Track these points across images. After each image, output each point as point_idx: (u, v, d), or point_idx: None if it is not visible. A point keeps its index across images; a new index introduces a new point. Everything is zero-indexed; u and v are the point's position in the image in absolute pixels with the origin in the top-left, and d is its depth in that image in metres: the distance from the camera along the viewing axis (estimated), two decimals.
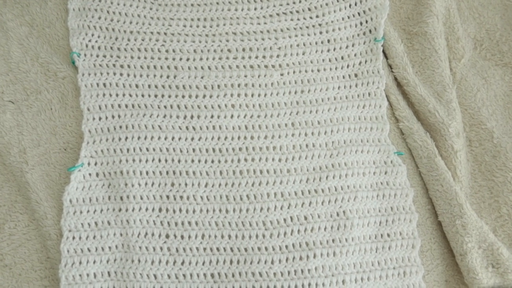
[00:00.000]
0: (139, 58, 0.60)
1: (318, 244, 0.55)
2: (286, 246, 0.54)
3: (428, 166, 0.58)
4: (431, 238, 0.58)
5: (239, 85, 0.60)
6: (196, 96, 0.59)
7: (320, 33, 0.63)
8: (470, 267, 0.54)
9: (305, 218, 0.56)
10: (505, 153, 0.58)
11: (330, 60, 0.62)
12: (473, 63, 0.64)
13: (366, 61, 0.62)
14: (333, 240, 0.55)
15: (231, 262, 0.54)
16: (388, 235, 0.56)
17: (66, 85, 0.59)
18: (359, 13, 0.64)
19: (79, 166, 0.55)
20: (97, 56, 0.60)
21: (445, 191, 0.56)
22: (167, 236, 0.54)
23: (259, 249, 0.54)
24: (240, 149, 0.57)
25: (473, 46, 0.65)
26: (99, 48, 0.60)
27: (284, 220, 0.55)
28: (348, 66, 0.62)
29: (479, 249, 0.55)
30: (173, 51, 0.61)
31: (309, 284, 0.53)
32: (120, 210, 0.54)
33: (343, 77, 0.62)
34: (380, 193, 0.57)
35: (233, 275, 0.53)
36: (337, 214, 0.56)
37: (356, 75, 0.62)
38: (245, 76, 0.60)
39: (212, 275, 0.53)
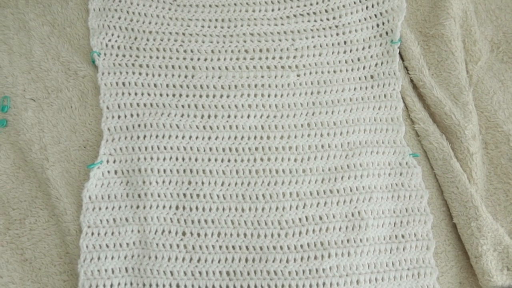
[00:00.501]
0: (157, 57, 0.61)
1: (333, 244, 0.55)
2: (301, 246, 0.55)
3: (443, 168, 0.58)
4: (445, 240, 0.58)
5: (255, 86, 0.60)
6: (214, 96, 0.59)
7: (337, 34, 0.63)
8: (485, 270, 0.54)
9: (320, 218, 0.56)
10: None
11: (346, 62, 0.62)
12: (490, 66, 0.63)
13: (382, 63, 0.63)
14: (347, 240, 0.55)
15: (246, 260, 0.54)
16: (403, 236, 0.56)
17: (86, 83, 0.60)
18: (376, 15, 0.64)
19: (98, 164, 0.56)
20: (117, 55, 0.61)
21: (461, 193, 0.56)
22: (184, 234, 0.55)
23: (274, 248, 0.55)
24: (256, 148, 0.58)
25: (490, 48, 0.65)
26: (118, 47, 0.61)
27: (299, 219, 0.56)
28: (364, 67, 0.63)
29: (494, 251, 0.55)
30: (191, 51, 0.61)
31: (324, 284, 0.54)
32: (138, 207, 0.55)
33: (359, 78, 0.62)
34: (395, 194, 0.58)
35: (248, 273, 0.54)
36: (352, 215, 0.56)
37: (372, 77, 0.62)
38: (262, 76, 0.61)
39: (228, 273, 0.54)
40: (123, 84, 0.59)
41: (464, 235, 0.56)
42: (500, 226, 0.56)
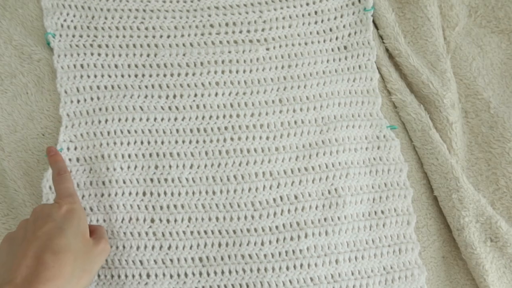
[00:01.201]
0: (117, 37, 0.57)
1: (310, 223, 0.53)
2: (277, 227, 0.53)
3: (422, 139, 0.56)
4: (426, 213, 0.56)
5: (223, 62, 0.57)
6: (178, 75, 0.56)
7: (307, 4, 0.60)
8: (468, 242, 0.52)
9: (296, 197, 0.54)
10: (502, 123, 0.56)
11: (318, 33, 0.59)
12: (468, 31, 0.61)
13: (355, 33, 0.60)
14: (325, 219, 0.53)
15: (219, 245, 0.52)
16: (382, 212, 0.54)
17: (42, 67, 0.56)
18: None
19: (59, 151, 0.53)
20: (73, 36, 0.57)
21: (441, 165, 0.54)
22: (152, 221, 0.52)
23: (248, 230, 0.52)
24: (225, 128, 0.55)
25: (468, 13, 0.62)
26: (75, 27, 0.57)
27: (274, 200, 0.53)
28: (337, 38, 0.59)
29: (476, 223, 0.53)
30: (153, 28, 0.58)
31: (301, 265, 0.51)
32: (102, 195, 0.52)
33: (332, 50, 0.59)
34: (373, 169, 0.55)
35: (222, 258, 0.51)
36: (329, 192, 0.54)
37: (345, 48, 0.59)
38: (229, 52, 0.57)
39: (200, 259, 0.51)
40: (81, 66, 0.56)
41: (445, 207, 0.54)
42: (482, 196, 0.54)
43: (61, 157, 0.51)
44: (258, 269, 0.51)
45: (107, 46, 0.57)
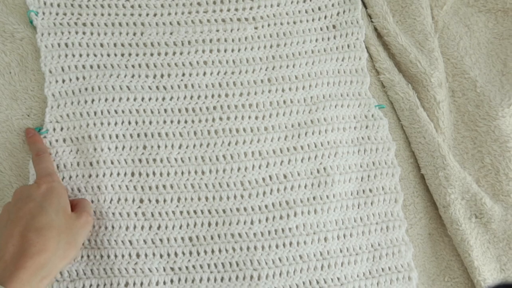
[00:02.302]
0: (102, 15, 0.56)
1: (299, 202, 0.53)
2: (266, 206, 0.53)
3: (410, 118, 0.56)
4: (414, 191, 0.56)
5: (211, 41, 0.56)
6: (166, 54, 0.55)
7: None
8: (453, 219, 0.53)
9: (285, 176, 0.54)
10: (488, 102, 0.57)
11: (306, 12, 0.59)
12: (456, 10, 0.61)
13: (344, 11, 0.59)
14: (313, 198, 0.53)
15: (209, 224, 0.52)
16: (370, 191, 0.55)
17: (25, 46, 0.55)
18: None
19: (44, 133, 0.52)
20: (57, 14, 0.55)
21: (428, 143, 0.55)
22: (141, 201, 0.52)
23: (237, 210, 0.52)
24: (214, 107, 0.55)
25: None
26: (58, 5, 0.56)
27: (263, 179, 0.53)
28: (325, 17, 0.59)
29: (462, 200, 0.54)
30: (139, 6, 0.57)
31: (290, 243, 0.52)
32: (90, 176, 0.52)
33: (321, 29, 0.59)
34: (362, 148, 0.56)
35: (211, 238, 0.51)
36: (318, 171, 0.54)
37: (334, 27, 0.59)
38: (217, 30, 0.57)
39: (190, 238, 0.51)
40: (66, 45, 0.55)
41: (432, 185, 0.55)
42: (467, 174, 0.55)
43: (40, 138, 0.51)
44: (248, 248, 0.51)
45: (92, 24, 0.55)
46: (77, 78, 0.54)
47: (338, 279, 0.52)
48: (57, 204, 0.45)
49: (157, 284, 0.50)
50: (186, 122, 0.54)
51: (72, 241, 0.44)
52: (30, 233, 0.41)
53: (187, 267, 0.51)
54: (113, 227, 0.51)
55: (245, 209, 0.52)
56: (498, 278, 0.54)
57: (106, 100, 0.53)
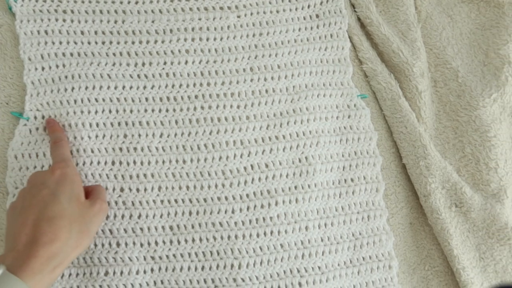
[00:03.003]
0: (83, 2, 0.55)
1: (280, 191, 0.53)
2: (247, 195, 0.53)
3: (392, 108, 0.56)
4: (395, 181, 0.57)
5: (193, 29, 0.56)
6: (147, 42, 0.55)
7: None
8: (434, 208, 0.54)
9: (266, 165, 0.54)
10: (469, 92, 0.57)
11: (289, 0, 0.59)
12: (439, 1, 0.61)
13: (327, 1, 0.59)
14: (295, 187, 0.54)
15: (190, 213, 0.52)
16: (352, 180, 0.55)
17: (4, 33, 0.54)
18: None
19: (25, 118, 0.51)
20: (36, 1, 0.55)
21: (409, 133, 0.55)
22: (122, 190, 0.52)
23: (218, 199, 0.52)
24: (196, 96, 0.54)
25: None
26: None
27: (244, 168, 0.53)
28: (309, 6, 0.59)
29: (442, 189, 0.54)
30: None
31: (271, 232, 0.52)
32: None
33: (304, 18, 0.59)
34: (344, 138, 0.56)
35: (192, 226, 0.51)
36: (299, 160, 0.54)
37: (317, 16, 0.59)
38: (199, 19, 0.56)
39: (171, 227, 0.51)
40: (46, 32, 0.54)
41: (413, 174, 0.55)
42: (448, 164, 0.55)
43: (59, 126, 0.51)
44: (229, 237, 0.51)
45: (72, 11, 0.55)
46: (57, 66, 0.53)
47: (319, 268, 0.52)
48: (70, 192, 0.44)
49: (137, 273, 0.50)
50: (167, 111, 0.54)
51: (84, 229, 0.44)
52: (42, 222, 0.41)
53: (167, 256, 0.51)
54: None
55: (226, 198, 0.52)
56: (480, 266, 0.55)
57: (86, 88, 0.53)
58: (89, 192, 0.48)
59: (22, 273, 0.38)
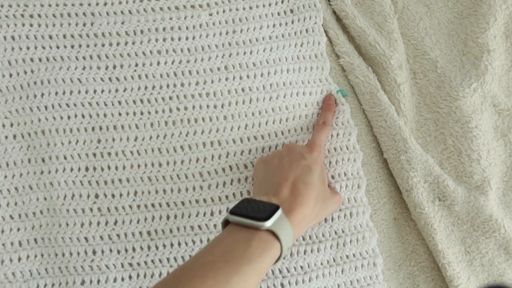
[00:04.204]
0: (50, 6, 0.54)
1: None
2: (226, 196, 0.52)
3: (371, 102, 0.55)
4: (377, 176, 0.56)
5: (164, 29, 0.55)
6: (117, 44, 0.54)
7: None
8: (417, 202, 0.53)
9: (245, 166, 0.53)
10: (449, 83, 0.56)
11: None
12: None
13: None
14: None
15: (167, 217, 0.51)
16: (333, 177, 0.54)
17: None
18: None
19: None
20: (2, 6, 0.53)
21: (389, 127, 0.54)
22: (97, 196, 0.50)
23: (197, 201, 0.51)
24: (170, 98, 0.53)
25: None
26: None
27: (223, 169, 0.52)
28: (282, 1, 0.58)
29: (424, 183, 0.53)
30: None
31: None
32: (42, 172, 0.50)
33: (278, 13, 0.57)
34: None
35: (170, 231, 0.50)
36: None
37: (292, 11, 0.58)
38: (170, 18, 0.55)
39: (149, 233, 0.50)
40: (12, 38, 0.53)
41: (394, 169, 0.54)
42: (430, 157, 0.54)
43: (334, 110, 0.55)
44: (208, 240, 0.50)
45: (39, 16, 0.54)
46: (25, 72, 0.52)
47: (301, 267, 0.51)
48: (320, 173, 0.48)
49: (114, 281, 0.49)
50: (142, 113, 0.53)
51: (320, 212, 0.47)
52: (300, 184, 0.44)
53: (145, 262, 0.49)
54: (67, 224, 0.49)
55: (204, 200, 0.51)
56: (466, 260, 0.54)
57: (56, 93, 0.52)
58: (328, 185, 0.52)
59: (289, 219, 0.41)
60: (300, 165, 0.46)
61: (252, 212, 0.40)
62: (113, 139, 0.51)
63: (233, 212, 0.40)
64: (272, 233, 0.39)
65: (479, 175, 0.54)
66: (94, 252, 0.49)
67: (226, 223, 0.41)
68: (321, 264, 0.52)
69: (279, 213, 0.40)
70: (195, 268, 0.36)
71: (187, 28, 0.55)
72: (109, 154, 0.51)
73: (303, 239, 0.52)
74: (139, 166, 0.51)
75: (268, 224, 0.39)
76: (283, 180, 0.44)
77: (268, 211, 0.40)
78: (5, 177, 0.50)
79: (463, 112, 0.55)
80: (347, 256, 0.52)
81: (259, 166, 0.50)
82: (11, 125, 0.51)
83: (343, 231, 0.53)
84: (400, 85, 0.55)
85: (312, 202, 0.44)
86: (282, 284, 0.51)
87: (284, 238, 0.40)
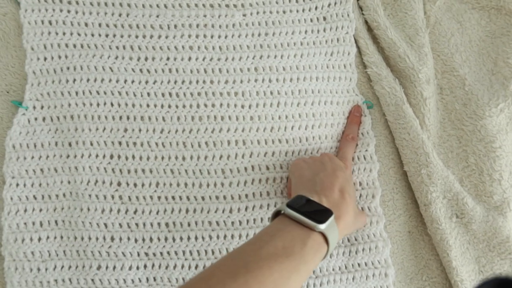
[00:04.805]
0: None
1: (279, 194, 0.53)
2: (246, 195, 0.52)
3: (395, 113, 0.55)
4: (393, 188, 0.56)
5: (197, 26, 0.55)
6: (151, 37, 0.54)
7: None
8: (434, 217, 0.53)
9: (267, 168, 0.53)
10: (476, 101, 0.56)
11: (297, 1, 0.58)
12: (449, 6, 0.60)
13: (335, 3, 0.58)
14: None
15: (186, 211, 0.51)
16: None
17: (8, 22, 0.54)
18: None
19: (24, 108, 0.51)
20: None
21: (412, 140, 0.54)
22: (119, 184, 0.51)
23: (217, 197, 0.52)
24: (198, 94, 0.54)
25: None
26: None
27: (245, 168, 0.53)
28: (316, 8, 0.58)
29: (443, 199, 0.53)
30: None
31: None
32: (68, 156, 0.51)
33: (311, 20, 0.58)
34: None
35: (188, 224, 0.51)
36: None
37: (324, 19, 0.58)
38: (204, 15, 0.56)
39: (167, 224, 0.51)
40: (50, 22, 0.54)
41: (414, 182, 0.54)
42: (451, 173, 0.54)
43: (360, 122, 0.56)
44: (225, 236, 0.51)
45: (77, 3, 0.54)
46: (59, 57, 0.53)
47: (313, 271, 0.51)
48: (352, 189, 0.48)
49: (129, 268, 0.49)
50: (169, 106, 0.53)
51: (352, 225, 0.47)
52: (346, 193, 0.45)
53: (161, 253, 0.50)
54: (88, 209, 0.50)
55: (224, 197, 0.52)
56: (479, 280, 0.54)
57: (88, 80, 0.53)
58: None
59: (338, 225, 0.42)
60: (343, 176, 0.47)
61: (308, 211, 0.41)
62: (140, 130, 0.52)
63: (290, 206, 0.41)
64: (324, 236, 0.40)
65: (499, 196, 0.54)
66: (112, 239, 0.50)
67: (276, 214, 0.42)
68: (333, 270, 0.52)
69: (332, 218, 0.41)
70: (263, 257, 0.37)
71: (220, 26, 0.56)
72: (134, 144, 0.52)
73: None
74: (162, 158, 0.52)
75: (322, 227, 0.40)
76: (332, 185, 0.46)
77: (324, 214, 0.41)
78: (32, 157, 0.51)
79: (488, 132, 0.55)
80: (359, 264, 0.53)
81: (302, 165, 0.50)
82: (42, 107, 0.52)
83: (356, 239, 0.53)
84: (426, 100, 0.55)
85: (353, 213, 0.46)
86: None
87: (332, 243, 0.41)
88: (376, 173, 0.54)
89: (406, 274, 0.54)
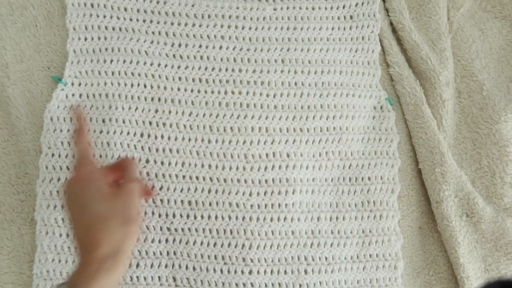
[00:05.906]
0: None
1: (298, 181, 0.55)
2: (266, 180, 0.55)
3: (414, 113, 0.58)
4: (409, 184, 0.58)
5: (230, 17, 0.58)
6: (185, 24, 0.57)
7: None
8: (445, 215, 0.55)
9: (288, 155, 0.56)
10: (492, 106, 0.58)
11: None
12: (472, 14, 0.62)
13: (363, 3, 0.61)
14: (312, 179, 0.55)
15: (209, 191, 0.54)
16: (369, 178, 0.56)
17: (53, 2, 0.57)
18: None
19: (63, 83, 0.54)
20: None
21: (429, 139, 0.56)
22: (147, 161, 0.54)
23: (238, 180, 0.54)
24: (227, 81, 0.56)
25: None
26: None
27: (266, 155, 0.55)
28: (344, 7, 0.61)
29: (455, 197, 0.55)
30: None
31: (285, 218, 0.54)
32: (101, 132, 0.54)
33: (338, 18, 0.60)
34: (366, 137, 0.57)
35: (210, 204, 0.53)
36: (320, 155, 0.56)
37: (351, 17, 0.61)
38: (237, 7, 0.58)
39: (190, 202, 0.53)
40: (92, 5, 0.57)
41: (428, 180, 0.57)
42: (464, 173, 0.56)
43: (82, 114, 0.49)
44: (243, 218, 0.53)
45: None
46: (99, 38, 0.56)
47: (326, 258, 0.54)
48: (93, 191, 0.43)
49: (152, 241, 0.52)
50: (199, 91, 0.56)
51: (125, 218, 0.42)
52: (81, 235, 0.42)
53: (182, 229, 0.53)
54: None
55: (245, 181, 0.54)
56: (484, 277, 0.56)
57: (124, 61, 0.55)
58: (119, 173, 0.46)
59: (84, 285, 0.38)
60: (75, 210, 0.43)
61: None
62: (170, 111, 0.55)
63: None
64: None
65: (509, 198, 0.56)
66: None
67: None
68: (345, 258, 0.54)
69: None
70: None
71: (251, 18, 0.58)
72: (164, 124, 0.55)
73: (332, 232, 0.54)
74: (189, 139, 0.55)
75: None
76: (75, 240, 0.42)
77: None
78: (68, 130, 0.54)
79: (502, 136, 0.57)
80: (370, 255, 0.55)
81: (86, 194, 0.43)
82: (79, 84, 0.55)
83: (370, 231, 0.55)
84: (445, 101, 0.57)
85: (103, 235, 0.41)
86: (305, 271, 0.53)
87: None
88: (397, 169, 0.56)
89: (413, 268, 0.57)
